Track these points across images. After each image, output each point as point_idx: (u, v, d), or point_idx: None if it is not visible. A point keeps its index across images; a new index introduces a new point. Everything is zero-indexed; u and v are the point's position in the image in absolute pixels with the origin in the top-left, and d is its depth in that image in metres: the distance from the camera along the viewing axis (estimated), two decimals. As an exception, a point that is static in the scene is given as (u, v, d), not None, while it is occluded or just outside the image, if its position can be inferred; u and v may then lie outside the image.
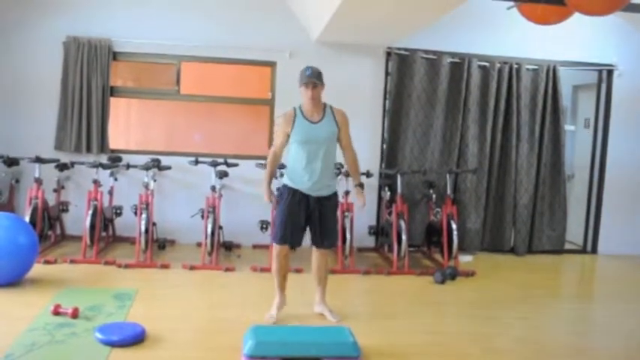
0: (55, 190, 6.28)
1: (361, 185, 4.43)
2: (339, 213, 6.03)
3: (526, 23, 4.69)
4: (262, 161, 6.44)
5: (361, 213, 6.39)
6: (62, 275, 5.19)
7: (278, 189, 4.40)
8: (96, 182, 5.88)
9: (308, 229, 4.32)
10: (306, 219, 4.25)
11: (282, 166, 5.56)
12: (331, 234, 4.37)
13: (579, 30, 6.87)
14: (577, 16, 4.37)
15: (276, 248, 4.35)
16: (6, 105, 6.49)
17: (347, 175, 6.21)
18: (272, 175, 4.34)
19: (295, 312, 4.45)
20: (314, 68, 4.15)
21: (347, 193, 6.09)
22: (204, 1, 6.69)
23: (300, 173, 4.18)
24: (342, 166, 6.29)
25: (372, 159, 6.92)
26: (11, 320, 4.04)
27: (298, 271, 5.61)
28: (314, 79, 4.09)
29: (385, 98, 6.97)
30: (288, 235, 4.25)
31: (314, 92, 4.11)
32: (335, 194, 4.35)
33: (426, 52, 6.90)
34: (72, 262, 5.59)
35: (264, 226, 6.10)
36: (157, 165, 6.20)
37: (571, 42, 7.13)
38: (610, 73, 7.35)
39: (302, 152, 4.15)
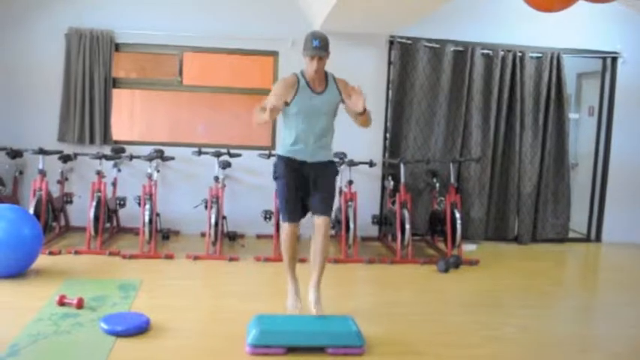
0: (58, 182, 6.31)
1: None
2: (342, 202, 6.07)
3: (529, 11, 4.65)
4: (265, 151, 6.45)
5: (364, 202, 6.43)
6: (67, 266, 5.21)
7: (274, 165, 4.12)
8: (99, 173, 5.90)
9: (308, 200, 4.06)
10: (304, 187, 4.02)
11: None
12: (328, 197, 4.02)
13: (583, 17, 6.82)
14: (581, 4, 4.33)
15: (285, 228, 4.08)
16: (9, 97, 6.50)
17: (350, 165, 6.23)
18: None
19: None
20: (322, 37, 3.81)
21: (350, 182, 6.08)
22: (205, -9, 6.68)
23: (296, 142, 3.94)
24: (345, 155, 6.30)
25: (375, 148, 6.91)
26: (17, 311, 4.07)
27: (302, 260, 5.60)
28: (322, 51, 3.78)
29: (388, 87, 6.94)
30: (297, 210, 4.02)
31: (320, 64, 3.82)
32: (332, 162, 4.11)
33: (429, 40, 6.85)
34: (76, 253, 5.62)
35: (268, 215, 6.10)
36: (160, 156, 6.21)
37: (575, 29, 7.07)
38: (614, 60, 7.30)
39: (300, 123, 3.90)
